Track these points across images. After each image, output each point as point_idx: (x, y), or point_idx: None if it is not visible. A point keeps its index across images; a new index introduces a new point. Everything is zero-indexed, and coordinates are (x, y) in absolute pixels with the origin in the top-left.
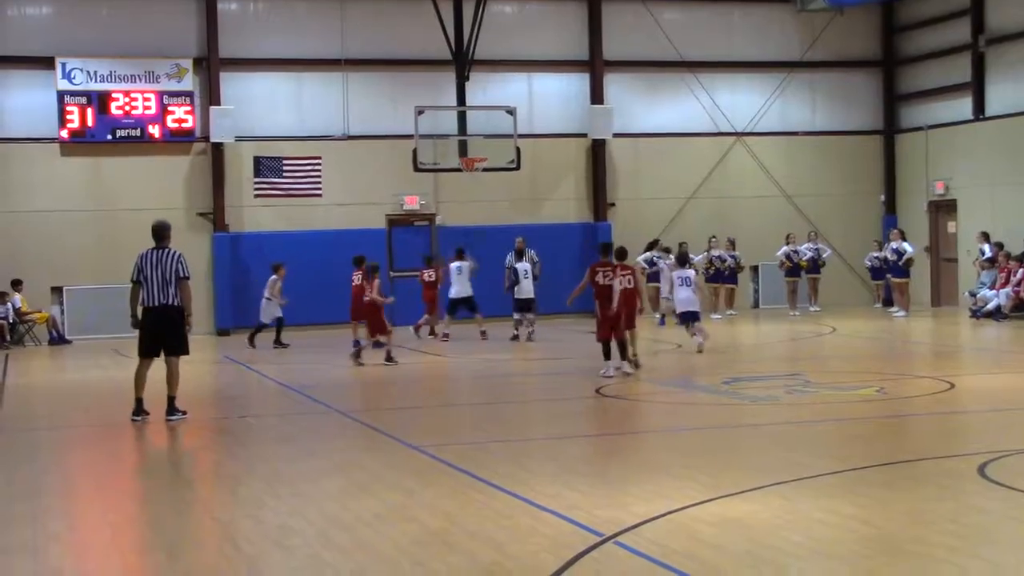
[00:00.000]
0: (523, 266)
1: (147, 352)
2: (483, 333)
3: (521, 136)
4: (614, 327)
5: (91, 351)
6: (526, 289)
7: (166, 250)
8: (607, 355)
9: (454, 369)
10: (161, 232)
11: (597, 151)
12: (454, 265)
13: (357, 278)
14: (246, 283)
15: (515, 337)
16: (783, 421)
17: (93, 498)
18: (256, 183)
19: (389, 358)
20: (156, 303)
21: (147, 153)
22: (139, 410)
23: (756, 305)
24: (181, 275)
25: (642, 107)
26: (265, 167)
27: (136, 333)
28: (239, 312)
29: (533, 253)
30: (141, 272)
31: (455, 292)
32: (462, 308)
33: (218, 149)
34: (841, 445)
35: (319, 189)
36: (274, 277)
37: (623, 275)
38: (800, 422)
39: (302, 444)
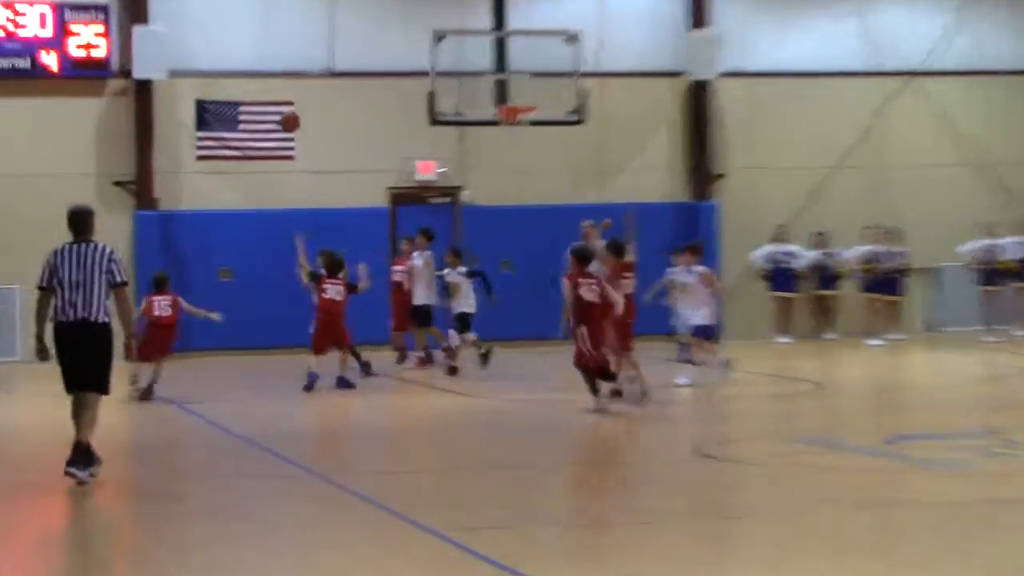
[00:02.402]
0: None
1: (70, 386)
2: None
3: (586, 75)
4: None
5: None
6: None
7: (90, 245)
8: (596, 387)
9: (486, 414)
10: (82, 220)
11: (698, 98)
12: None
13: (333, 291)
14: (182, 284)
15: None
16: (974, 499)
17: None
18: (200, 139)
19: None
20: (75, 316)
21: (39, 93)
22: (78, 459)
23: (933, 326)
24: (117, 279)
25: (764, 33)
26: (213, 116)
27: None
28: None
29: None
30: (55, 275)
31: (466, 305)
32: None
33: (144, 89)
34: None
35: (291, 149)
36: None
37: (626, 278)
38: (1002, 501)
39: (258, 521)
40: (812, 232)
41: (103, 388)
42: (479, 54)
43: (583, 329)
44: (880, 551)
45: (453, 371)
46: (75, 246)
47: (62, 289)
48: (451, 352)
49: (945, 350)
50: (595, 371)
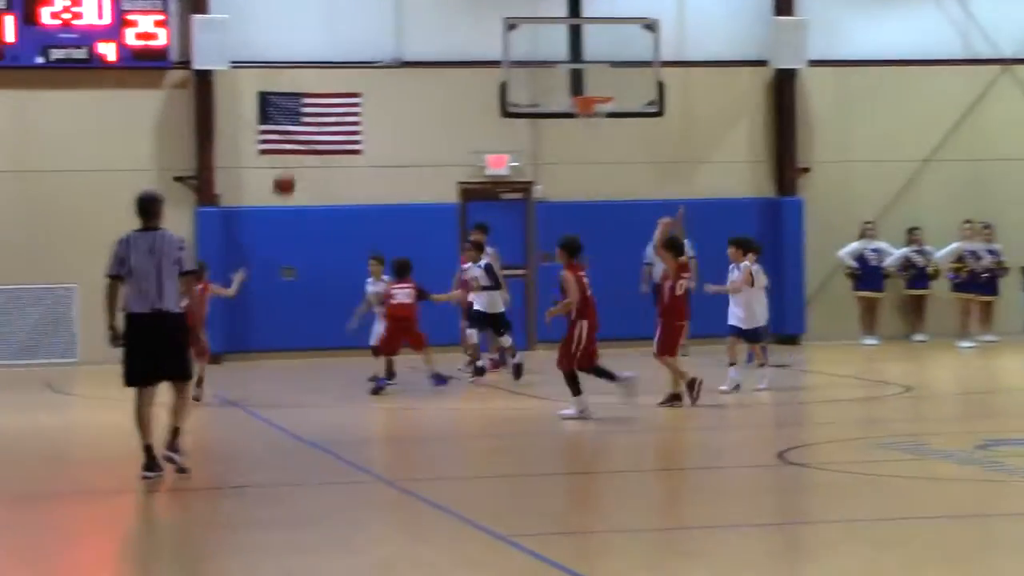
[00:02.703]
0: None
1: (141, 378)
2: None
3: (666, 64)
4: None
5: (12, 385)
6: None
7: (158, 233)
8: (578, 389)
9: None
10: (151, 207)
11: (783, 88)
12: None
13: (402, 295)
14: (246, 283)
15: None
16: None
17: None
18: (263, 132)
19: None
20: (147, 308)
21: (96, 85)
22: (151, 464)
23: None
24: (185, 267)
25: (853, 20)
26: (276, 108)
27: (120, 353)
28: (233, 328)
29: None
30: (124, 263)
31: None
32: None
33: (205, 80)
34: None
35: (357, 143)
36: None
37: (683, 278)
38: None
39: (327, 529)
40: (906, 228)
41: (186, 373)
42: (553, 43)
43: (583, 323)
44: (977, 566)
45: (518, 371)
46: (143, 234)
47: (132, 279)
48: (500, 356)
49: None
50: (586, 369)
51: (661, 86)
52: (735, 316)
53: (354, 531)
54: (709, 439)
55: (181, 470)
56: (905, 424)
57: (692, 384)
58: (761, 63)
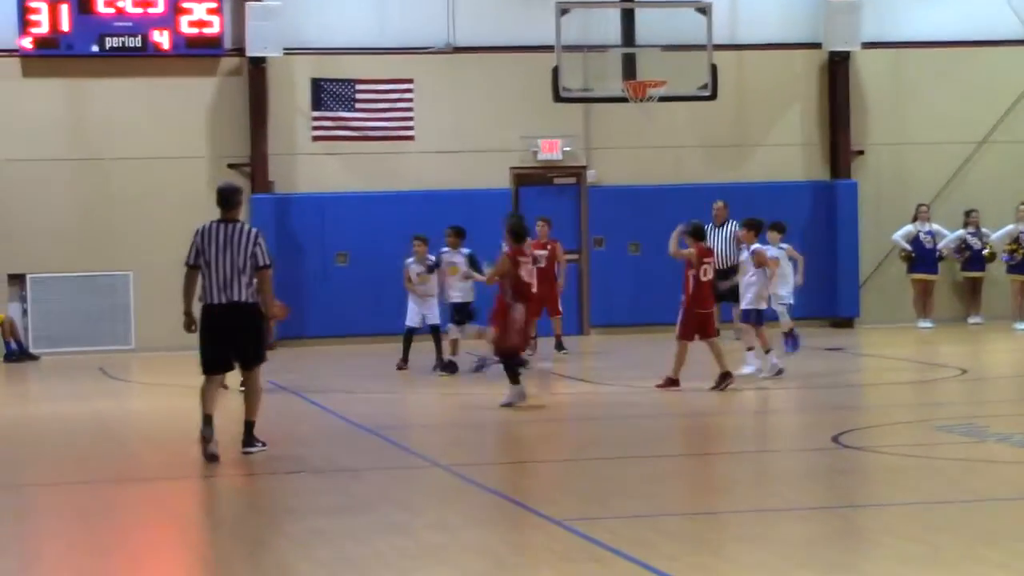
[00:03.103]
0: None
1: (214, 365)
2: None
3: (718, 48)
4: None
5: (66, 370)
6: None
7: (236, 225)
8: (516, 377)
9: (616, 403)
10: (230, 198)
11: (837, 70)
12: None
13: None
14: (298, 269)
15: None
16: None
17: None
18: (316, 119)
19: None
20: (223, 299)
21: (151, 73)
22: (208, 431)
23: None
24: (260, 263)
25: (907, 2)
26: (329, 95)
27: (196, 339)
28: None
29: (737, 226)
30: (202, 254)
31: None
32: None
33: (258, 68)
34: None
35: (410, 129)
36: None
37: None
38: None
39: (384, 515)
40: (963, 211)
41: (258, 359)
42: (606, 27)
43: (520, 307)
44: None
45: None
46: (221, 225)
47: (209, 270)
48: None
49: None
50: (504, 354)
51: (714, 69)
52: (744, 299)
53: (409, 516)
54: (763, 423)
55: (264, 444)
56: (961, 407)
57: (725, 376)
58: (815, 46)
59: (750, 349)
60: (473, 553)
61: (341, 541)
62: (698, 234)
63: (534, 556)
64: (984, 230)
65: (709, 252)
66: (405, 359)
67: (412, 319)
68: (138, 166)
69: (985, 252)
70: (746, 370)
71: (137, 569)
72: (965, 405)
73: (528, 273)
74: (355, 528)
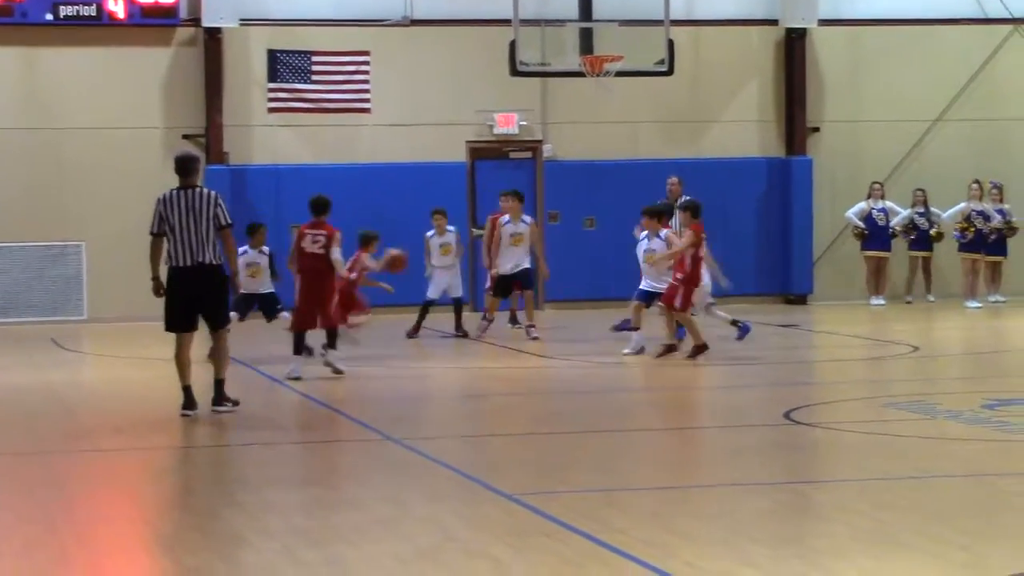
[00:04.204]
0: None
1: (183, 325)
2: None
3: (675, 23)
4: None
5: (17, 341)
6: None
7: (196, 191)
8: (299, 349)
9: (572, 378)
10: (188, 166)
11: (793, 47)
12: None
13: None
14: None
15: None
16: None
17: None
18: (272, 91)
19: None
20: (190, 261)
21: (105, 42)
22: (189, 402)
23: None
24: (222, 222)
25: None
26: (285, 67)
27: (161, 302)
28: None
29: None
30: (165, 221)
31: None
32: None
33: (214, 38)
34: None
35: (367, 101)
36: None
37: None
38: None
39: (336, 488)
40: (913, 189)
41: (222, 321)
42: (563, 1)
43: (299, 282)
44: (984, 524)
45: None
46: (182, 192)
47: (174, 236)
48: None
49: None
50: (293, 331)
51: (671, 45)
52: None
53: (361, 489)
54: (717, 398)
55: (235, 403)
56: (912, 384)
57: (701, 348)
58: (772, 22)
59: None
60: (424, 526)
61: (292, 513)
62: (696, 211)
63: (485, 530)
64: (933, 209)
65: (702, 228)
66: (417, 328)
67: (435, 291)
68: (92, 136)
69: (932, 231)
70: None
71: (87, 540)
72: (916, 382)
73: (314, 246)
74: (307, 500)
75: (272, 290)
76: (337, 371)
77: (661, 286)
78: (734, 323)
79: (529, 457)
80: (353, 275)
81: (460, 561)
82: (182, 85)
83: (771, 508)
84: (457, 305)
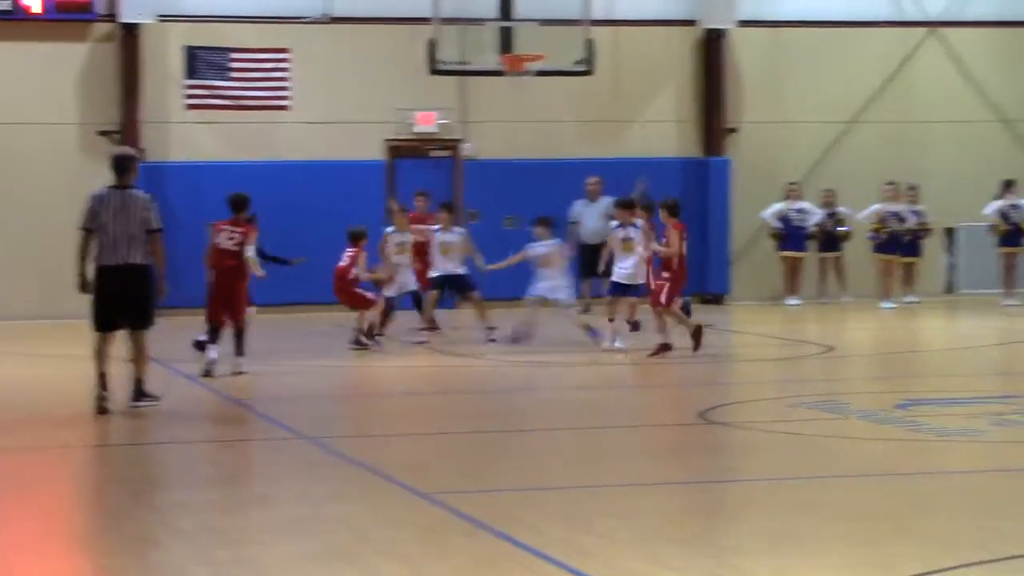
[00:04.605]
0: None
1: (105, 325)
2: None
3: (595, 23)
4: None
5: None
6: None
7: (129, 191)
8: (213, 339)
9: (489, 377)
10: (125, 165)
11: (712, 48)
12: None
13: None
14: (172, 239)
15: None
16: (987, 468)
17: None
18: (189, 87)
19: (359, 341)
20: (117, 261)
21: (20, 37)
22: (103, 386)
23: (950, 289)
24: (152, 227)
25: None
26: (203, 63)
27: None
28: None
29: (611, 203)
30: (96, 218)
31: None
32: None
33: (131, 34)
34: None
35: (286, 99)
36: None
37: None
38: (1013, 470)
39: (250, 487)
40: (822, 190)
41: (148, 322)
42: (483, 0)
43: (212, 278)
44: (893, 523)
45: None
46: (116, 191)
47: (104, 234)
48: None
49: (962, 314)
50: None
51: (590, 44)
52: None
53: (274, 488)
54: (632, 397)
55: (156, 397)
56: (826, 384)
57: (698, 331)
58: (691, 23)
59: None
60: (337, 526)
61: (204, 512)
62: (674, 210)
63: (399, 529)
64: (843, 209)
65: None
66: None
67: (393, 290)
68: (5, 131)
69: (839, 232)
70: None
71: None
72: (830, 382)
73: (228, 243)
74: (219, 500)
75: None
76: (239, 373)
77: (636, 279)
78: (586, 327)
79: (445, 456)
80: (355, 271)
81: (374, 561)
82: (99, 81)
83: (684, 507)
84: (416, 298)
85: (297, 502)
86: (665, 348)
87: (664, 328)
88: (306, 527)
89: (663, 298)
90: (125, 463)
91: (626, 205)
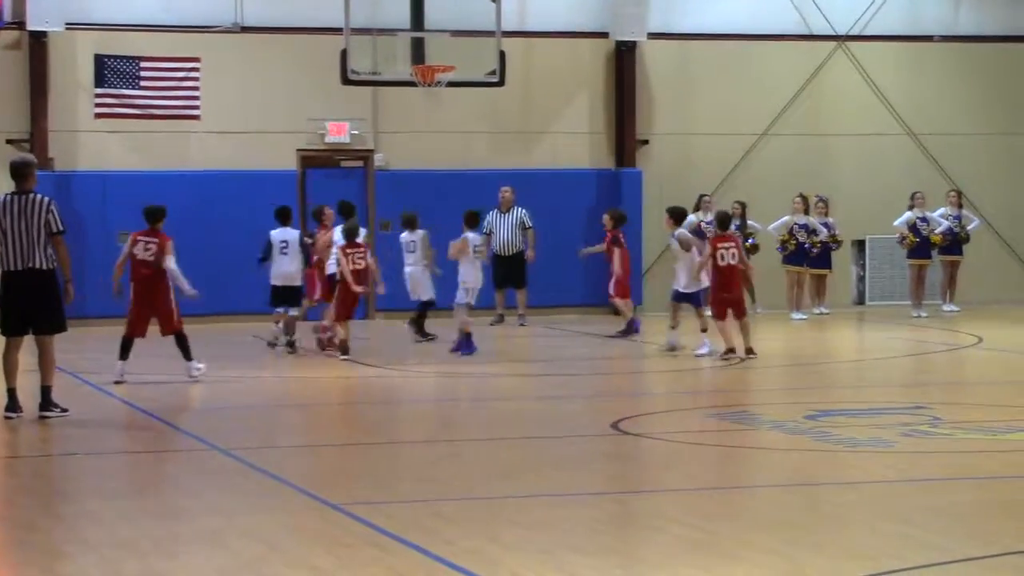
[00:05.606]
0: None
1: (13, 330)
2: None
3: (507, 34)
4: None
5: None
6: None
7: (30, 196)
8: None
9: (403, 388)
10: (23, 171)
11: (623, 60)
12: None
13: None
14: (81, 248)
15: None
16: (897, 478)
17: None
18: (99, 96)
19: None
20: (20, 266)
21: None
22: (12, 404)
23: (860, 300)
24: (54, 229)
25: None
26: (112, 72)
27: None
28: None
29: (524, 213)
30: None
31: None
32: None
33: (39, 42)
34: (983, 516)
35: (196, 108)
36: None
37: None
38: (923, 480)
39: (160, 498)
40: (734, 202)
41: (57, 328)
42: (395, 10)
43: (132, 290)
44: (802, 534)
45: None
46: (16, 197)
47: (7, 239)
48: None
49: (872, 325)
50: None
51: (502, 56)
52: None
53: (186, 500)
54: (545, 408)
55: (64, 410)
56: (736, 395)
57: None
58: (602, 35)
59: (704, 330)
60: (248, 537)
61: (114, 524)
62: (681, 218)
63: (310, 540)
64: (752, 222)
65: (723, 238)
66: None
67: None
68: None
69: (747, 244)
70: (702, 350)
71: None
72: (741, 393)
73: (145, 254)
74: (129, 511)
75: None
76: (193, 377)
77: (692, 289)
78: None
79: (356, 467)
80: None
81: (284, 573)
82: (6, 89)
83: (596, 518)
84: (423, 308)
85: (208, 514)
86: (730, 351)
87: (728, 334)
88: (217, 539)
89: (711, 310)
90: (34, 474)
91: (671, 214)
